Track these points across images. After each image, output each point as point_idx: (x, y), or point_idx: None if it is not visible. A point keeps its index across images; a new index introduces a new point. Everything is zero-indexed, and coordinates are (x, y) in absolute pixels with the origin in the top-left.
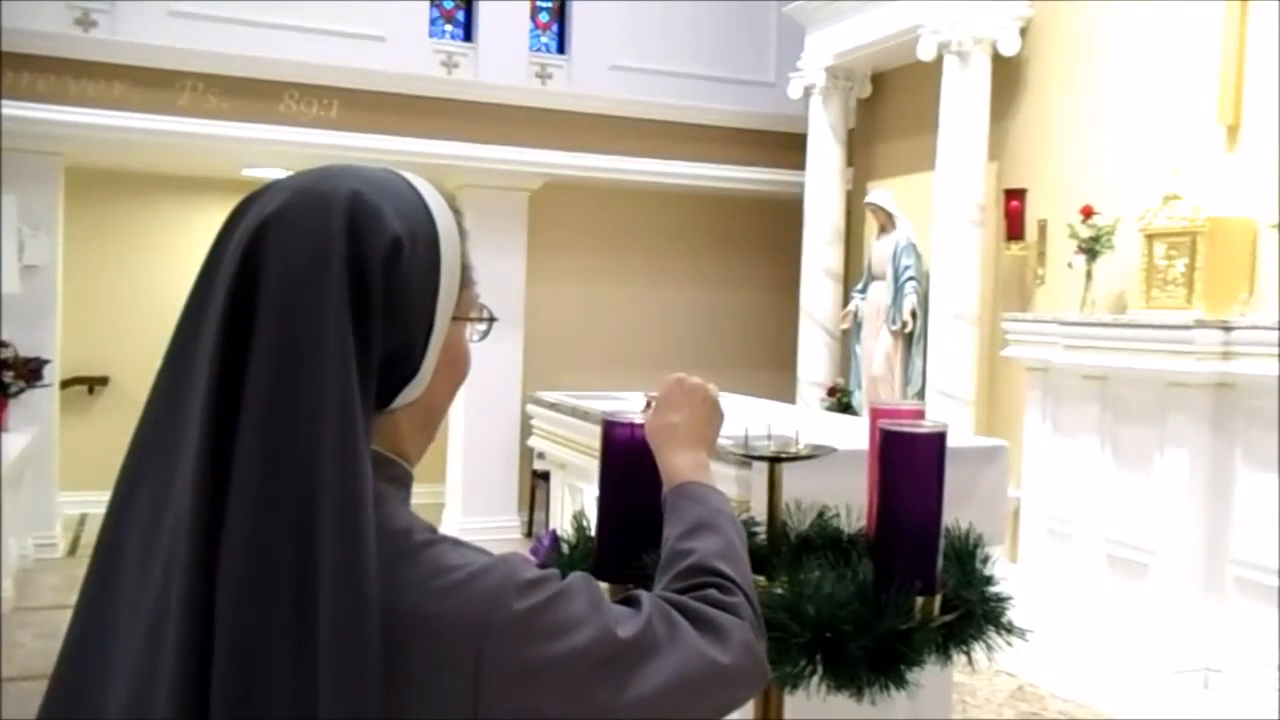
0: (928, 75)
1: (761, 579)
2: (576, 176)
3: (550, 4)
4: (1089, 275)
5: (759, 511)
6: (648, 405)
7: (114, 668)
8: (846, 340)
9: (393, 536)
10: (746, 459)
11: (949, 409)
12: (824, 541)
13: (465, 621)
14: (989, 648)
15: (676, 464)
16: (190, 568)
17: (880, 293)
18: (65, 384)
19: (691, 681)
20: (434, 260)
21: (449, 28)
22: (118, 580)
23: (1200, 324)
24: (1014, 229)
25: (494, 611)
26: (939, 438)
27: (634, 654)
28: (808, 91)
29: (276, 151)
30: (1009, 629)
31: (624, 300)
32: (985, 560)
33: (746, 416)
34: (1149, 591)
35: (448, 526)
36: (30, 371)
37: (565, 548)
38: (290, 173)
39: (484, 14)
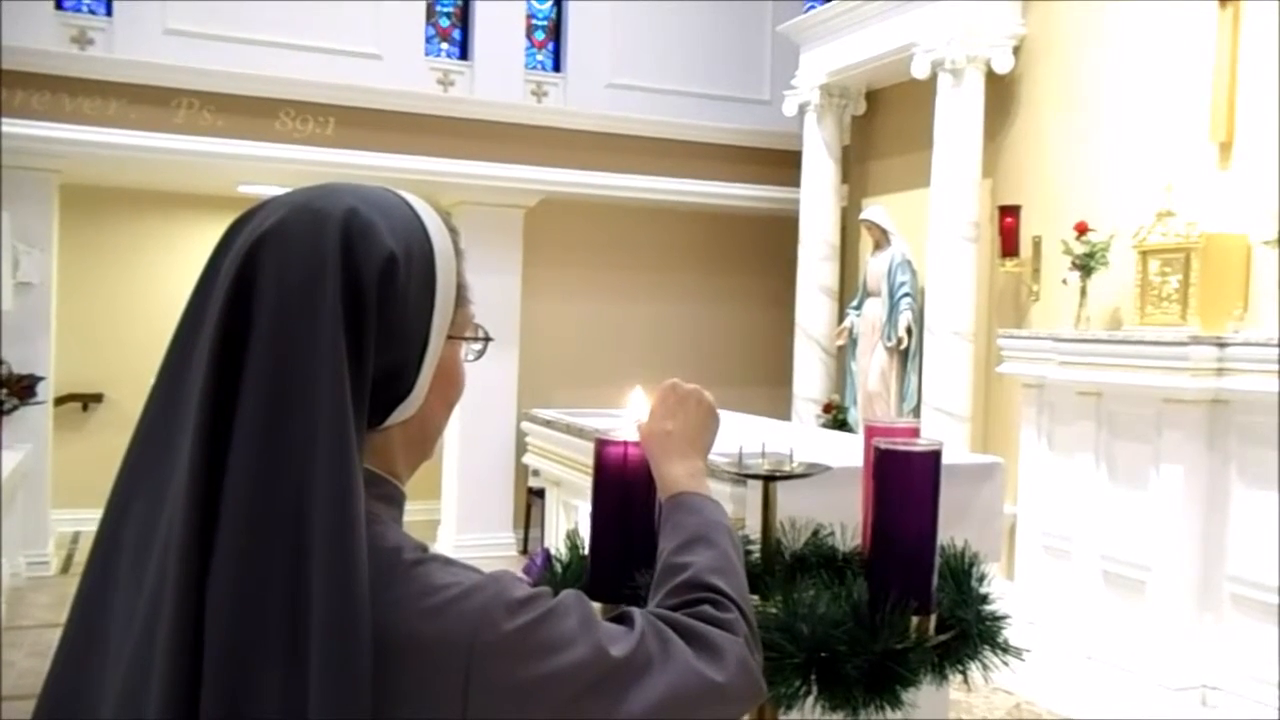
0: (922, 93)
1: (756, 598)
2: (572, 193)
3: (546, 22)
4: (1083, 291)
5: (753, 530)
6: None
7: (105, 683)
8: (842, 357)
9: (383, 555)
10: (741, 477)
11: (944, 425)
12: (819, 560)
13: (454, 640)
14: (985, 667)
15: (672, 473)
16: (181, 584)
17: (875, 309)
18: (59, 401)
19: (685, 699)
20: (429, 278)
21: (445, 46)
22: (110, 596)
23: (1195, 340)
24: (1009, 245)
25: (483, 630)
26: (934, 456)
27: (626, 673)
28: (802, 109)
29: (272, 169)
30: (1005, 648)
31: (619, 317)
32: (981, 579)
33: (741, 433)
34: (1146, 608)
35: (442, 543)
36: (24, 388)
37: (558, 566)
38: (286, 190)
39: (480, 32)
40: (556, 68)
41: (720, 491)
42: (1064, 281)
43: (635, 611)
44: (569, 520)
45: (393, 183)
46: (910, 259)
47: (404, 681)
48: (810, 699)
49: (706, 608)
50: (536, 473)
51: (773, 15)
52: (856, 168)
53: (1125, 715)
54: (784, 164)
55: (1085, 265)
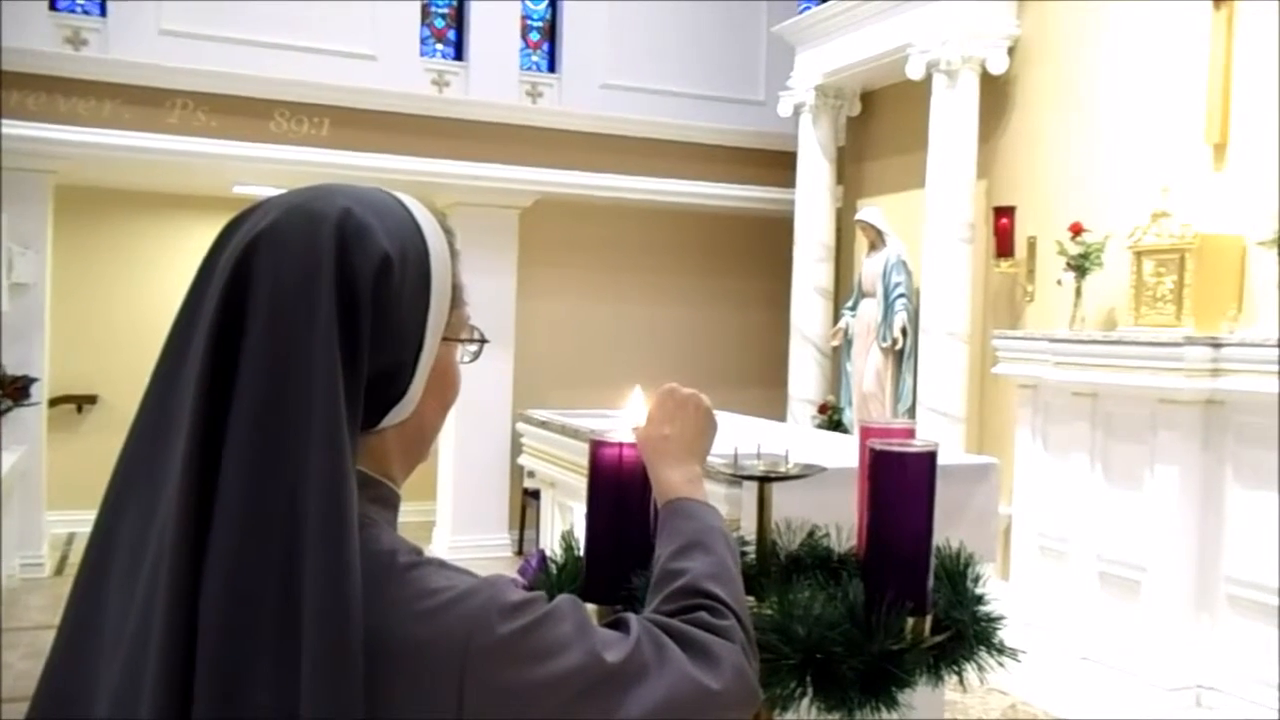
0: (917, 94)
1: (751, 599)
2: (567, 194)
3: (541, 23)
4: (1078, 292)
5: (749, 531)
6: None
7: (99, 681)
8: (837, 357)
9: (377, 558)
10: (736, 478)
11: (939, 426)
12: (814, 561)
13: (448, 644)
14: (980, 668)
15: (669, 479)
16: (175, 583)
17: (870, 310)
18: (53, 402)
19: (680, 706)
20: (424, 280)
21: (440, 47)
22: (103, 597)
23: (1190, 341)
24: (1003, 246)
25: (478, 634)
26: (930, 457)
27: (621, 678)
28: (797, 110)
29: (267, 170)
30: (1001, 649)
31: (614, 318)
32: (976, 580)
33: (737, 434)
34: (1141, 608)
35: (438, 544)
36: (18, 390)
37: (553, 568)
38: (281, 191)
39: (475, 33)
40: (551, 68)
41: (715, 493)
42: (1059, 282)
43: (631, 617)
44: (564, 521)
45: (388, 184)
46: (905, 260)
47: (398, 685)
48: (806, 700)
49: (703, 614)
50: (532, 474)
51: (768, 16)
52: (851, 168)
53: (1120, 716)
54: (779, 165)
55: (1080, 266)
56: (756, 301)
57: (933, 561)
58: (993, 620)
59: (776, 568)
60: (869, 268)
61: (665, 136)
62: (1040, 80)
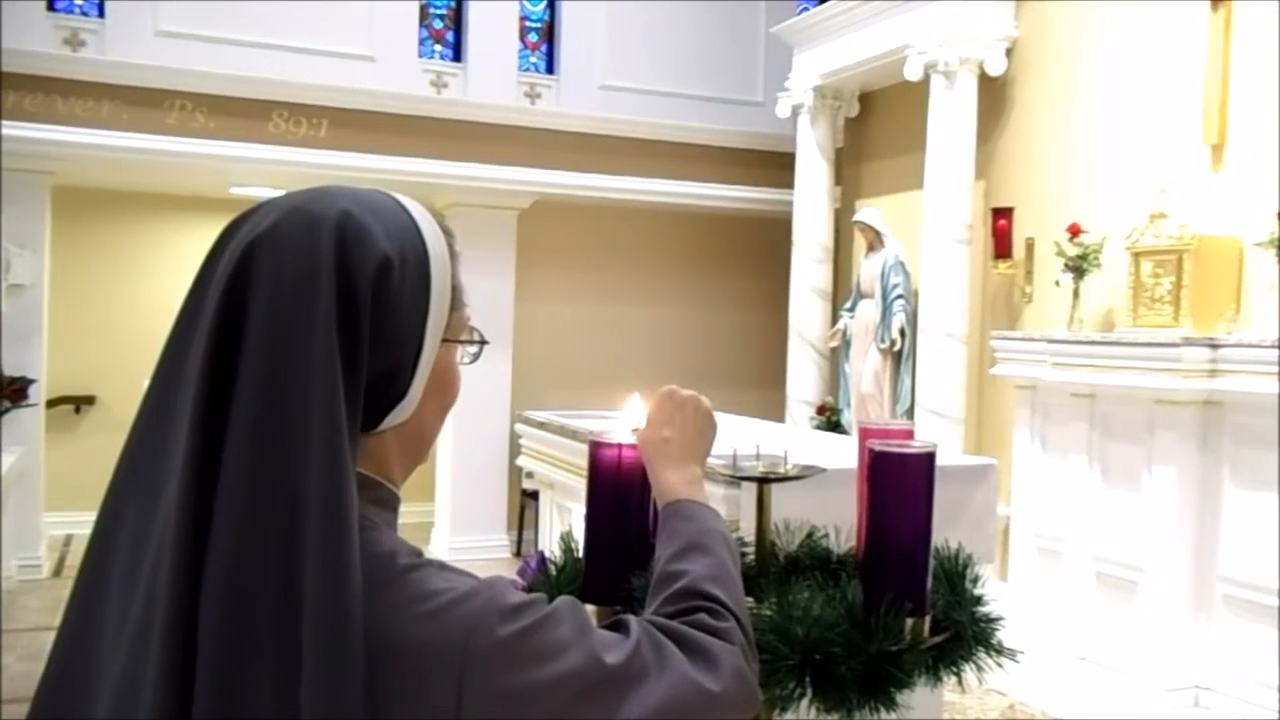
0: (915, 95)
1: (750, 600)
2: (565, 195)
3: (539, 24)
4: (1076, 293)
5: (747, 532)
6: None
7: (100, 682)
8: (835, 359)
9: (377, 560)
10: (735, 479)
11: (938, 427)
12: (813, 562)
13: (448, 646)
14: (979, 669)
15: (669, 480)
16: (175, 584)
17: (869, 311)
18: (51, 403)
19: (680, 709)
20: (424, 281)
21: (438, 48)
22: (103, 598)
23: (1187, 341)
24: (1001, 247)
25: (477, 636)
26: (928, 458)
27: (621, 680)
28: (796, 111)
29: (265, 171)
30: (999, 650)
31: (613, 319)
32: (975, 580)
33: (735, 435)
34: (1138, 609)
35: (436, 545)
36: (16, 391)
37: (553, 569)
38: (280, 192)
39: (473, 34)
40: (550, 69)
41: (715, 494)
42: (1057, 283)
43: (631, 619)
44: (563, 523)
45: (386, 185)
46: (903, 261)
47: (397, 686)
48: (805, 701)
49: (703, 616)
50: (530, 475)
51: (766, 17)
52: (850, 169)
53: (1118, 716)
54: (777, 166)
55: (1078, 267)
56: (755, 303)
57: (931, 562)
58: (991, 621)
59: (775, 569)
60: (867, 269)
61: (663, 137)
62: (1038, 81)
